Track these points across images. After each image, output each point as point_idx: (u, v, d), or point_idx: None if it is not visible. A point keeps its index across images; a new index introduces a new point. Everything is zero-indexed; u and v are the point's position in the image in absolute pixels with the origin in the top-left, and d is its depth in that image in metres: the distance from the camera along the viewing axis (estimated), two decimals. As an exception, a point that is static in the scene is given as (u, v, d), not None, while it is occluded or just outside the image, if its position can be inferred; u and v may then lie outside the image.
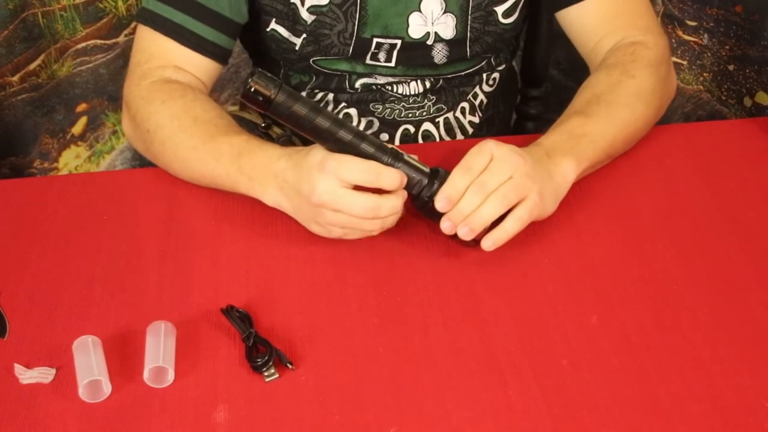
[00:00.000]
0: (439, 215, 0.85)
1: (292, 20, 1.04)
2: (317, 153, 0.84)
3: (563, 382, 0.76)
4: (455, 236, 0.85)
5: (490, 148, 0.84)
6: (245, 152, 0.90)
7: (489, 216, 0.83)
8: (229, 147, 0.91)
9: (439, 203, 0.83)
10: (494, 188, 0.83)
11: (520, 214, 0.84)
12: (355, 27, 1.04)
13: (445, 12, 1.05)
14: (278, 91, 0.80)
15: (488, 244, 0.85)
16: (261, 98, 0.80)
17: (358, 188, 0.82)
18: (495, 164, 0.84)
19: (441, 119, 1.16)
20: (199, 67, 1.03)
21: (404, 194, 0.85)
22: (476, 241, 0.85)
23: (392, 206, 0.83)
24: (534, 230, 0.90)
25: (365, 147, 0.83)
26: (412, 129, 1.15)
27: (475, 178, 0.83)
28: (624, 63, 1.00)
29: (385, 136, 1.15)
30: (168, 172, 0.99)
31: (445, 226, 0.84)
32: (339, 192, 0.82)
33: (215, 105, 0.99)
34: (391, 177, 0.82)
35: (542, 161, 0.88)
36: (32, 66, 1.27)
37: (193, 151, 0.93)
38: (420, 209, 0.87)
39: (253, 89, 0.80)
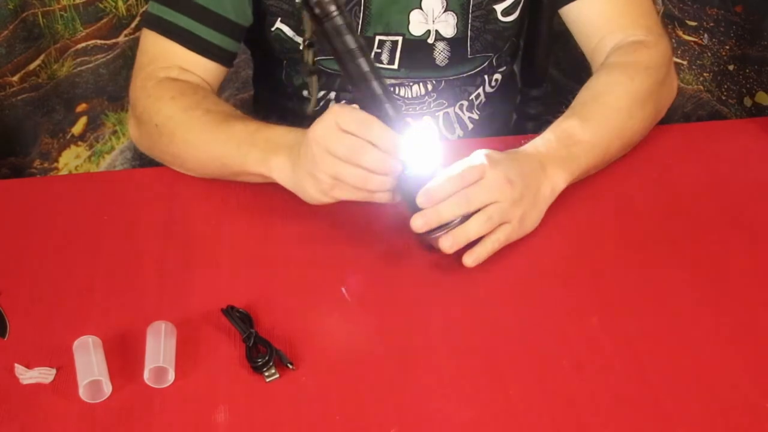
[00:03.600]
0: (414, 207, 0.84)
1: (297, 20, 1.04)
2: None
3: (563, 382, 0.76)
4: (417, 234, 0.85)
5: (484, 167, 0.85)
6: (262, 129, 0.90)
7: (474, 234, 0.84)
8: (243, 126, 0.91)
9: (420, 198, 0.83)
10: (476, 206, 0.84)
11: (498, 236, 0.86)
12: (359, 27, 1.04)
13: (446, 11, 1.06)
14: (339, 14, 0.79)
15: (471, 260, 0.85)
16: (319, 11, 0.79)
17: None
18: (485, 183, 0.84)
19: (441, 113, 1.17)
20: (205, 69, 1.03)
21: (395, 164, 0.82)
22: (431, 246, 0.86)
23: (375, 159, 0.80)
24: (535, 230, 0.90)
25: (388, 108, 0.82)
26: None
27: (462, 188, 0.84)
28: (623, 65, 1.00)
29: None
30: (174, 166, 0.99)
31: (418, 223, 0.84)
32: (333, 129, 0.80)
33: (226, 103, 0.99)
34: (380, 132, 0.80)
35: (535, 173, 0.89)
36: (32, 66, 1.27)
37: (205, 133, 0.93)
38: (401, 188, 0.85)
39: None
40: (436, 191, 0.83)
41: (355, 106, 1.12)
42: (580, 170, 0.93)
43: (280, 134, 0.89)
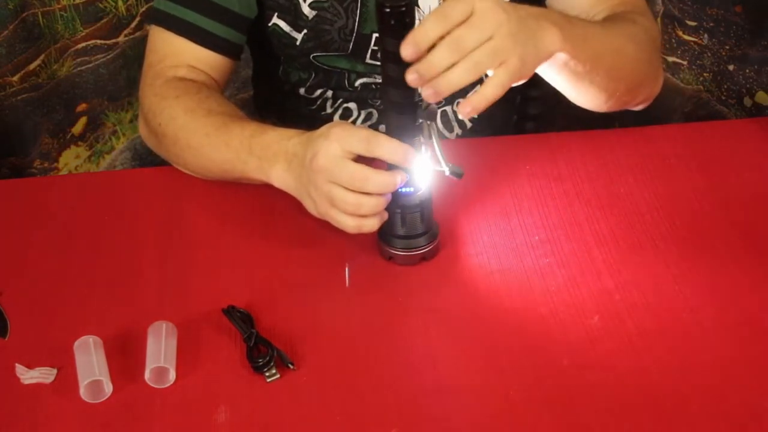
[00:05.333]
0: (392, 217, 0.84)
1: (294, 15, 1.04)
2: (326, 125, 0.83)
3: (564, 382, 0.76)
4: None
5: (471, 0, 0.75)
6: (257, 133, 0.90)
7: (457, 83, 0.75)
8: (240, 130, 0.91)
9: (405, 49, 0.73)
10: (470, 48, 0.74)
11: (501, 80, 0.77)
12: (356, 23, 1.04)
13: None
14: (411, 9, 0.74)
15: (467, 110, 0.77)
16: (395, 23, 0.74)
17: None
18: (476, 19, 0.74)
19: (439, 112, 1.17)
20: (212, 64, 1.03)
21: (399, 179, 0.81)
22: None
23: (381, 182, 0.80)
24: (536, 230, 0.90)
25: (410, 118, 0.79)
26: None
27: (451, 29, 0.74)
28: (623, 17, 0.99)
29: (382, 128, 1.15)
30: (179, 167, 0.99)
31: (411, 78, 0.74)
32: (337, 159, 0.80)
33: (229, 102, 0.99)
34: (389, 144, 0.80)
35: (528, 21, 0.79)
36: (32, 66, 1.27)
37: (206, 137, 0.93)
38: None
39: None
40: (421, 38, 0.73)
41: (353, 105, 1.13)
42: (572, 44, 0.84)
43: (275, 140, 0.89)
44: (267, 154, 0.88)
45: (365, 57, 1.08)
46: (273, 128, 0.90)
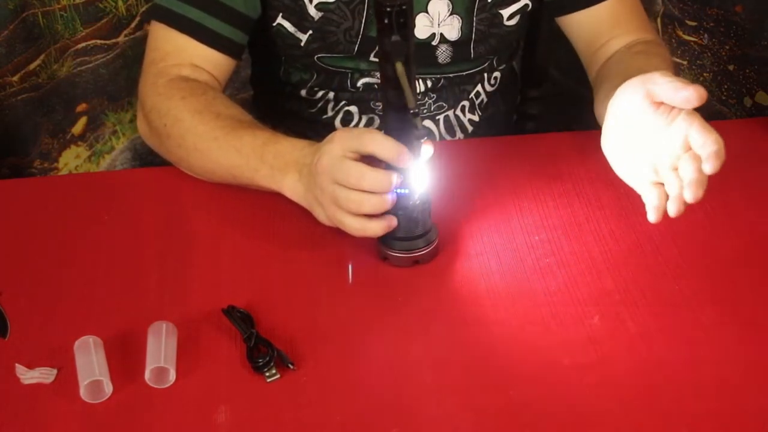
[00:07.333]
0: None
1: (299, 16, 1.04)
2: (333, 132, 0.84)
3: (564, 382, 0.76)
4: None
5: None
6: (270, 142, 0.90)
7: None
8: (252, 138, 0.91)
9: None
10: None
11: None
12: (362, 25, 1.04)
13: (451, 14, 1.05)
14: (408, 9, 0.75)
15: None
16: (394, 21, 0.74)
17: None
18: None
19: (441, 117, 1.17)
20: (215, 63, 1.03)
21: (395, 178, 0.82)
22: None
23: (376, 178, 0.80)
24: (536, 230, 0.90)
25: (407, 118, 0.79)
26: None
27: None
28: (647, 49, 1.03)
29: None
30: (181, 168, 0.99)
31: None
32: (337, 158, 0.81)
33: (235, 104, 0.99)
34: (380, 142, 0.80)
35: None
36: (32, 66, 1.27)
37: (214, 141, 0.93)
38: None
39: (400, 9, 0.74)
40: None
41: (354, 108, 1.13)
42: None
43: (288, 150, 0.89)
44: (279, 163, 0.89)
45: (369, 56, 1.08)
46: (286, 138, 0.90)
